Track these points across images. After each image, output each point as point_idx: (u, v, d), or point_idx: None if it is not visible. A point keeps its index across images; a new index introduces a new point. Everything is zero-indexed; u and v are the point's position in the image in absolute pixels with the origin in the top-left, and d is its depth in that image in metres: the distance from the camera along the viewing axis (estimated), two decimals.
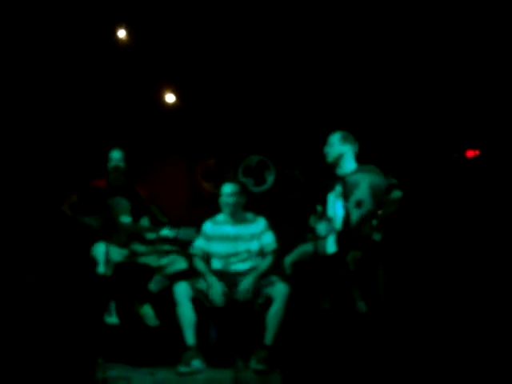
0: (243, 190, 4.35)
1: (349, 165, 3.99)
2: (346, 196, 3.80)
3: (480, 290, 4.36)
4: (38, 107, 5.08)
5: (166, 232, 4.15)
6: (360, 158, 4.01)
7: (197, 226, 4.20)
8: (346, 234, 3.78)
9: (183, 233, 4.11)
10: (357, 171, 3.91)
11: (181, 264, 4.27)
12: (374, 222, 3.55)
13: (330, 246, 3.89)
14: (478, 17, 4.60)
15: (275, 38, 4.96)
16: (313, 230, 4.18)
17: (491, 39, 4.66)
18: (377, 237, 3.66)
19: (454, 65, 4.87)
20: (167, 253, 4.30)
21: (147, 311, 4.28)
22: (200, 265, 4.24)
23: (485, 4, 4.48)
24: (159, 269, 4.28)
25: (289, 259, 4.12)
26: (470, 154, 4.94)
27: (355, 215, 3.63)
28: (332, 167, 4.03)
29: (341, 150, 3.99)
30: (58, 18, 4.71)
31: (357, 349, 3.57)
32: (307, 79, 5.26)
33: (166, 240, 4.23)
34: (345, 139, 4.01)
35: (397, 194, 3.78)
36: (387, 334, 3.66)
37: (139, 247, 4.38)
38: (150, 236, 4.33)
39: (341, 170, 4.00)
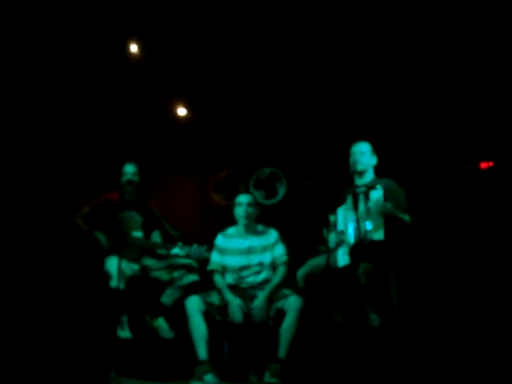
0: (257, 202, 4.36)
1: (369, 175, 4.01)
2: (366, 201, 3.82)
3: (495, 302, 4.31)
4: (53, 121, 5.11)
5: (177, 251, 4.15)
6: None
7: (208, 244, 4.19)
8: (358, 246, 3.77)
9: (194, 251, 4.11)
10: (376, 181, 3.92)
11: (192, 277, 4.27)
12: None
13: (341, 259, 3.87)
14: (492, 24, 4.57)
15: (285, 53, 4.97)
16: (325, 242, 4.16)
17: (507, 52, 4.63)
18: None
19: (466, 76, 4.84)
20: (178, 267, 4.29)
21: (161, 324, 4.28)
22: (219, 281, 4.19)
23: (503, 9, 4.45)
24: (171, 282, 4.27)
25: (301, 272, 4.10)
26: (484, 165, 4.91)
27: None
28: (354, 175, 4.02)
29: (371, 161, 4.01)
30: (70, 33, 4.74)
31: (369, 363, 3.53)
32: (319, 92, 5.25)
33: (177, 256, 4.23)
34: (373, 150, 4.04)
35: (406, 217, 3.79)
36: (400, 348, 3.63)
37: (150, 261, 4.38)
38: (162, 252, 4.33)
39: (361, 180, 4.00)
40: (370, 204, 3.81)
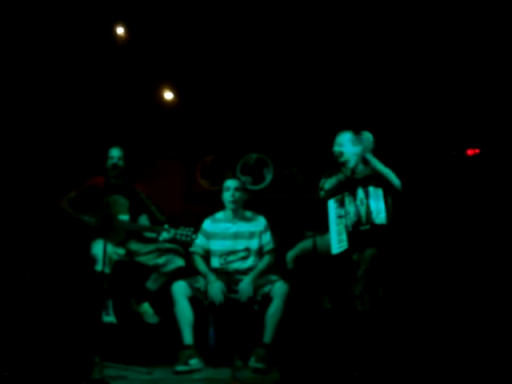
0: (245, 187, 4.36)
1: (352, 163, 4.00)
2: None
3: (479, 287, 4.36)
4: (37, 105, 5.04)
5: (164, 235, 4.13)
6: None
7: (195, 227, 4.17)
8: (358, 232, 3.78)
9: (181, 233, 4.09)
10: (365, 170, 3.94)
11: (178, 262, 4.25)
12: None
13: (335, 246, 3.86)
14: (477, 14, 4.58)
15: (272, 35, 4.93)
16: (312, 228, 4.17)
17: (492, 38, 4.64)
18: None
19: (454, 63, 4.85)
20: (164, 251, 4.27)
21: (146, 309, 4.27)
22: (200, 264, 4.22)
23: (481, 2, 4.47)
24: (156, 267, 4.25)
25: (291, 254, 4.13)
26: (470, 152, 4.93)
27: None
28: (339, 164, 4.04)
29: (354, 150, 4.00)
30: (55, 16, 4.67)
31: (355, 347, 3.55)
32: (305, 77, 5.23)
33: (163, 240, 4.21)
34: (356, 139, 4.03)
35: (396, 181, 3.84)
36: (387, 332, 3.65)
37: (136, 246, 4.35)
38: (149, 235, 4.31)
39: (347, 168, 4.01)
40: (370, 189, 3.83)
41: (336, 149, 4.02)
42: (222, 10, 4.77)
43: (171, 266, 4.25)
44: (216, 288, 4.02)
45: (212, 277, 4.09)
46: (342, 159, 4.01)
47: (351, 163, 4.00)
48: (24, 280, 4.37)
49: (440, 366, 3.47)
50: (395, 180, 3.85)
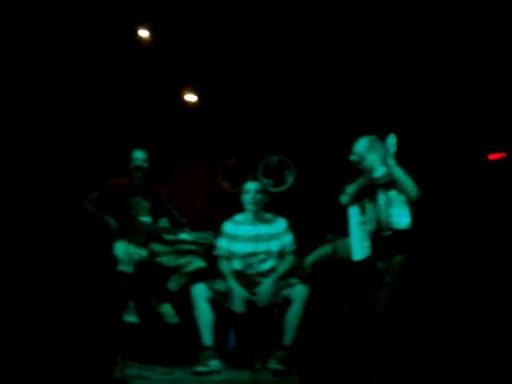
0: (265, 189, 4.36)
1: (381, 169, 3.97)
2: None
3: (503, 291, 4.31)
4: (64, 106, 5.11)
5: (184, 236, 4.16)
6: None
7: (215, 231, 4.19)
8: (380, 238, 3.76)
9: (201, 237, 4.12)
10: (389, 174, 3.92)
11: (199, 263, 4.28)
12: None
13: (358, 253, 3.84)
14: (501, 20, 4.53)
15: (295, 39, 4.93)
16: (332, 231, 4.17)
17: None
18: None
19: (478, 68, 4.80)
20: (185, 253, 4.30)
21: (167, 310, 4.30)
22: (225, 267, 4.20)
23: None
24: (178, 268, 4.28)
25: (309, 259, 4.11)
26: (494, 156, 4.88)
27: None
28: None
29: (370, 156, 3.98)
30: (80, 18, 4.73)
31: (375, 352, 3.54)
32: (328, 80, 5.22)
33: (184, 241, 4.24)
34: (372, 145, 4.00)
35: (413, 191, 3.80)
36: (407, 337, 3.64)
37: (158, 247, 4.39)
38: (169, 237, 4.34)
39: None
40: (391, 194, 3.81)
41: (352, 157, 4.01)
42: (247, 13, 4.78)
43: (192, 267, 4.27)
44: (238, 297, 4.00)
45: (234, 284, 4.06)
46: (360, 167, 4.00)
47: (371, 169, 3.98)
48: (48, 279, 4.43)
49: (459, 372, 3.44)
50: (411, 190, 3.77)
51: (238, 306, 3.99)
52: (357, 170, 4.02)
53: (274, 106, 5.43)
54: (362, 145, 4.00)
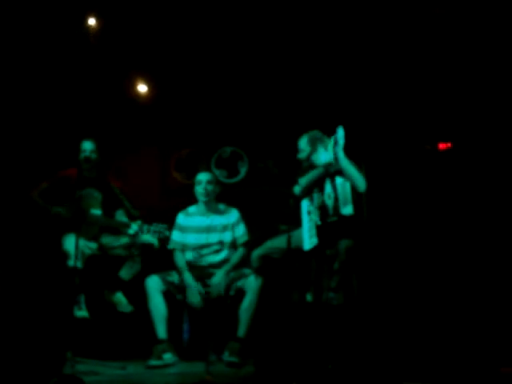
0: (217, 180, 4.35)
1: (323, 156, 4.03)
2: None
3: (451, 278, 4.42)
4: (10, 96, 4.95)
5: (135, 228, 4.09)
6: None
7: (168, 223, 4.15)
8: (326, 225, 3.80)
9: (154, 229, 4.06)
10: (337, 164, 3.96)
11: (151, 239, 4.20)
12: None
13: (307, 242, 3.89)
14: (450, 10, 4.62)
15: (247, 27, 4.91)
16: (286, 221, 4.19)
17: (464, 32, 4.68)
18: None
19: (427, 58, 4.88)
20: (138, 246, 4.23)
21: (120, 299, 4.24)
22: (180, 260, 4.19)
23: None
24: (131, 256, 4.20)
25: (256, 253, 4.12)
26: (442, 146, 4.98)
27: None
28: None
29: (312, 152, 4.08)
30: (26, 7, 4.59)
31: (330, 341, 3.57)
32: (280, 70, 5.22)
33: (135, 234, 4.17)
34: (313, 140, 4.10)
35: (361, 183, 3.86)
36: (361, 325, 3.68)
37: (107, 239, 4.31)
38: (129, 232, 4.26)
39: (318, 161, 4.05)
40: (337, 182, 3.85)
41: (299, 155, 4.14)
42: (197, 1, 4.73)
43: (143, 239, 4.19)
44: (195, 291, 4.00)
45: (189, 277, 4.06)
46: (305, 164, 4.11)
47: (318, 164, 4.03)
48: None
49: (413, 359, 3.50)
50: (360, 183, 3.83)
51: (195, 301, 3.99)
52: (306, 166, 4.08)
53: (228, 97, 5.39)
54: (304, 142, 4.12)
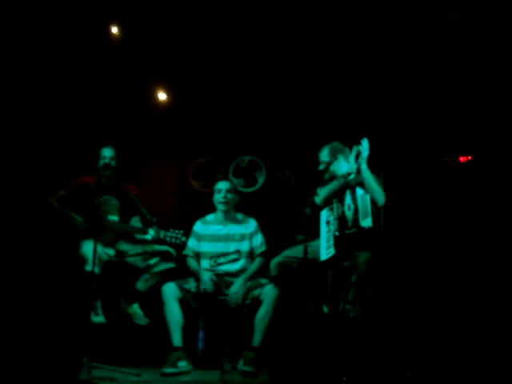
0: (236, 189, 4.36)
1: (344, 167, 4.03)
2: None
3: (470, 293, 4.37)
4: (31, 103, 5.01)
5: (152, 233, 4.11)
6: None
7: (184, 230, 4.16)
8: (345, 236, 3.79)
9: (171, 235, 4.08)
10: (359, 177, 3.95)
11: (167, 264, 4.24)
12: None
13: (324, 252, 3.88)
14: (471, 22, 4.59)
15: (267, 38, 4.92)
16: (302, 231, 4.19)
17: (484, 45, 4.65)
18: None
19: (447, 70, 4.86)
20: (154, 254, 4.25)
21: (136, 310, 4.25)
22: (192, 264, 4.23)
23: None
24: (146, 268, 4.23)
25: (275, 261, 4.11)
26: (463, 159, 4.95)
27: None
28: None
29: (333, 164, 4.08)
30: (50, 14, 4.64)
31: (345, 352, 3.55)
32: (300, 80, 5.22)
33: (153, 241, 4.19)
34: (334, 151, 4.10)
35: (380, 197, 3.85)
36: (377, 338, 3.66)
37: (125, 246, 4.33)
38: (138, 237, 4.29)
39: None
40: (357, 194, 3.85)
41: (320, 167, 4.14)
42: (218, 12, 4.76)
43: (162, 267, 4.23)
44: (206, 276, 4.05)
45: (202, 271, 4.11)
46: (327, 176, 4.11)
47: (338, 174, 4.04)
48: (13, 279, 4.34)
49: (429, 372, 3.47)
50: (379, 196, 3.85)
51: (206, 285, 4.02)
52: (327, 177, 4.09)
53: (246, 106, 5.41)
54: (325, 153, 4.12)
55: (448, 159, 4.96)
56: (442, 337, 3.87)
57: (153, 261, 4.24)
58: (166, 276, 4.21)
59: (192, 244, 4.26)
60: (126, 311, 4.24)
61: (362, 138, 3.89)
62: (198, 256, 4.26)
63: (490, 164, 4.84)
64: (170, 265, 4.24)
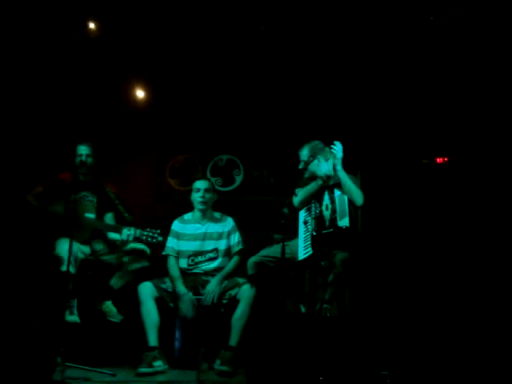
0: (214, 188, 4.35)
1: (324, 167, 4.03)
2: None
3: (449, 291, 4.42)
4: (7, 99, 4.92)
5: (127, 232, 4.07)
6: None
7: (162, 227, 4.13)
8: (322, 235, 3.80)
9: (147, 235, 4.05)
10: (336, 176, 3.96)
11: (141, 262, 4.20)
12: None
13: (302, 252, 3.89)
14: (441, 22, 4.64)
15: (244, 36, 4.91)
16: (280, 231, 4.18)
17: (459, 46, 4.70)
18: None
19: (425, 71, 4.90)
20: (129, 253, 4.21)
21: (110, 308, 4.20)
22: (173, 267, 4.17)
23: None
24: (121, 265, 4.19)
25: (252, 260, 4.10)
26: (439, 160, 5.00)
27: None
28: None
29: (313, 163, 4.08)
30: (26, 9, 4.57)
31: (322, 352, 3.56)
32: (278, 79, 5.23)
33: (128, 241, 4.15)
34: (315, 149, 4.10)
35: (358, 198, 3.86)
36: (353, 337, 3.67)
37: (98, 246, 4.29)
38: (113, 236, 4.24)
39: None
40: (335, 195, 3.87)
41: (300, 166, 4.14)
42: (196, 8, 4.73)
43: (136, 265, 4.19)
44: (187, 303, 3.97)
45: (182, 288, 4.02)
46: (306, 175, 4.12)
47: (318, 176, 4.04)
48: None
49: (405, 371, 3.49)
50: (357, 196, 3.87)
51: (187, 311, 3.96)
52: (306, 177, 4.09)
53: (225, 105, 5.40)
54: (305, 152, 4.13)
55: (425, 160, 5.01)
56: (418, 336, 3.89)
57: (127, 258, 4.20)
58: (139, 274, 4.17)
59: (172, 243, 4.23)
60: (100, 309, 4.19)
61: (336, 139, 3.92)
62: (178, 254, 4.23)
63: (466, 165, 4.89)
64: (144, 263, 4.20)
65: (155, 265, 4.27)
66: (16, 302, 4.09)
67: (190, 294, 4.01)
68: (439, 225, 4.77)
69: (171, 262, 4.20)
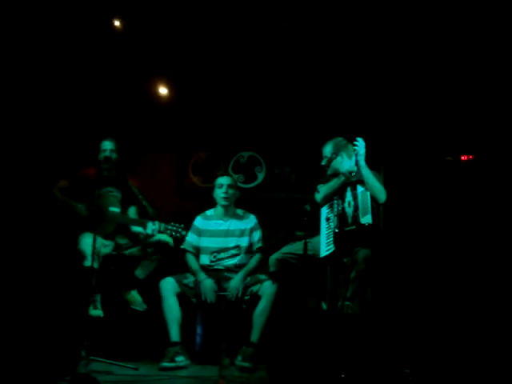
0: (237, 185, 4.36)
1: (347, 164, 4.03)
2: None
3: (470, 291, 4.37)
4: (32, 96, 4.99)
5: (151, 228, 4.09)
6: None
7: (185, 223, 4.15)
8: (344, 233, 3.79)
9: (171, 229, 4.07)
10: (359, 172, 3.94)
11: (166, 238, 4.20)
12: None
13: (324, 249, 3.88)
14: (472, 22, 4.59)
15: (269, 34, 4.91)
16: (302, 228, 4.18)
17: (487, 44, 4.64)
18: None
19: (449, 68, 4.85)
20: (151, 245, 4.23)
21: (135, 297, 4.24)
22: (191, 261, 4.21)
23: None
24: (145, 255, 4.21)
25: (274, 257, 4.10)
26: (464, 158, 4.95)
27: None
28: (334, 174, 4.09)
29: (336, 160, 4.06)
30: (51, 8, 4.62)
31: (344, 349, 3.55)
32: (300, 76, 5.22)
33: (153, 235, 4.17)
34: (338, 147, 4.08)
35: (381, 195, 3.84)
36: (376, 335, 3.65)
37: (122, 240, 4.32)
38: (136, 229, 4.27)
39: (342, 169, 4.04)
40: (358, 191, 3.85)
41: (323, 162, 4.11)
42: (220, 7, 4.74)
43: (159, 238, 4.19)
44: (208, 286, 4.01)
45: (203, 275, 4.08)
46: (329, 171, 4.08)
47: (341, 172, 4.02)
48: (10, 272, 4.32)
49: (427, 369, 3.47)
50: (380, 193, 3.85)
51: (208, 295, 3.99)
52: (329, 173, 4.08)
53: (247, 102, 5.40)
54: (328, 149, 4.10)
55: (449, 158, 4.96)
56: (440, 334, 3.86)
57: (151, 249, 4.23)
58: (164, 268, 4.20)
59: (191, 238, 4.25)
60: (125, 298, 4.22)
61: (359, 135, 3.90)
62: (197, 251, 4.25)
63: (492, 163, 4.83)
64: (167, 239, 4.20)
65: (177, 260, 4.29)
66: (41, 297, 4.15)
67: (211, 280, 4.03)
68: (462, 224, 4.72)
69: (189, 257, 4.23)
